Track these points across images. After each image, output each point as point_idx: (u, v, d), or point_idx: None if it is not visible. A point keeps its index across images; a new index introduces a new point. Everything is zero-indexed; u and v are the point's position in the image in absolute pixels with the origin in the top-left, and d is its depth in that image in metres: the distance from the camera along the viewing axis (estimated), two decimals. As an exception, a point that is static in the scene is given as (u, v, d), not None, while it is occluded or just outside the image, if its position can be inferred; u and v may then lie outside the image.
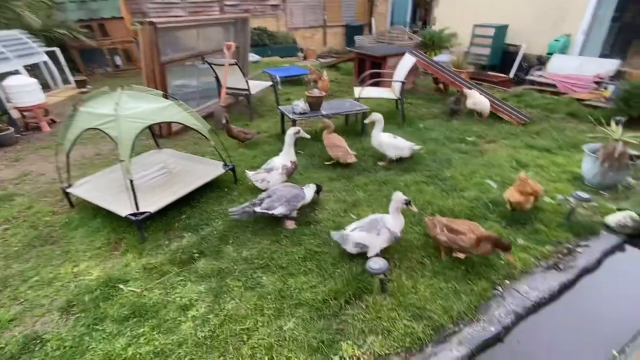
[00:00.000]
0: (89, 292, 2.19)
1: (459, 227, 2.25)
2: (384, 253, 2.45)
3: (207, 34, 5.60)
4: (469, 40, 8.49)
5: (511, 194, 2.75)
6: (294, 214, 2.75)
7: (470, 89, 5.27)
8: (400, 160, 3.75)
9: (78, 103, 2.82)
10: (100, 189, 3.04)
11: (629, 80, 5.16)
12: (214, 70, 5.18)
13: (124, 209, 2.62)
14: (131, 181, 2.51)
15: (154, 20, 4.09)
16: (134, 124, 2.55)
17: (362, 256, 2.39)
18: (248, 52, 6.30)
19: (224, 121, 3.98)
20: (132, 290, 2.21)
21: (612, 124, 3.20)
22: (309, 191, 2.85)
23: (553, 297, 2.18)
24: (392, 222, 2.31)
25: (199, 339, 1.89)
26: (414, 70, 6.71)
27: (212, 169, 3.32)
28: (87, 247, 2.62)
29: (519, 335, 1.97)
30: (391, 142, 3.62)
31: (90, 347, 1.85)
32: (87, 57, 8.09)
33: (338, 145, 3.64)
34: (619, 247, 2.60)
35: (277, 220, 2.76)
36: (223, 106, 4.93)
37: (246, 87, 5.04)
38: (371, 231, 2.29)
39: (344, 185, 3.36)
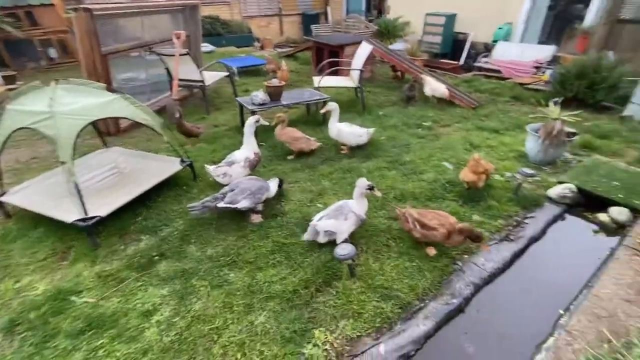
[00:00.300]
0: (35, 308, 1.99)
1: (429, 222, 2.24)
2: (350, 239, 2.50)
3: (153, 22, 5.23)
4: (422, 29, 8.77)
5: (465, 174, 2.91)
6: (259, 207, 2.70)
7: (423, 75, 5.45)
8: (361, 147, 3.81)
9: (5, 100, 2.50)
10: (41, 195, 2.76)
11: (563, 64, 5.64)
12: (164, 62, 4.87)
13: (70, 215, 2.40)
14: (76, 184, 2.29)
15: (89, 6, 3.73)
16: (74, 121, 2.32)
17: (331, 244, 2.41)
18: (200, 41, 5.99)
19: (177, 115, 3.76)
20: (86, 301, 2.04)
21: (551, 105, 3.48)
22: (273, 184, 2.80)
23: (506, 266, 2.35)
24: (357, 206, 2.36)
25: (165, 344, 1.80)
26: (371, 59, 6.80)
27: (168, 166, 3.14)
28: (29, 260, 2.37)
29: (478, 305, 2.11)
30: (350, 131, 3.66)
31: (42, 366, 1.70)
32: (15, 50, 7.21)
33: (297, 137, 3.61)
34: (560, 217, 2.87)
35: (242, 215, 2.69)
36: (176, 99, 4.66)
37: (200, 79, 4.80)
38: (338, 217, 2.32)
39: (308, 175, 3.35)
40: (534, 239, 2.60)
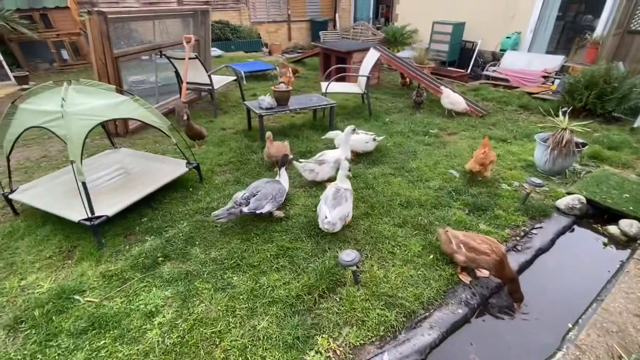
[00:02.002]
0: (39, 306, 2.00)
1: (479, 246, 2.09)
2: (355, 245, 2.48)
3: (164, 26, 5.31)
4: (429, 37, 8.80)
5: (472, 165, 3.08)
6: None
7: (441, 87, 5.34)
8: (367, 153, 3.80)
9: (17, 99, 2.55)
10: (49, 194, 2.78)
11: (572, 74, 5.60)
12: (174, 65, 4.93)
13: (76, 214, 2.42)
14: (84, 183, 2.31)
15: (103, 10, 3.80)
16: (85, 122, 2.35)
17: (334, 250, 2.40)
18: (210, 46, 6.06)
19: (185, 118, 3.80)
20: (89, 301, 2.05)
21: (560, 114, 3.45)
22: (284, 179, 2.82)
23: (513, 277, 2.31)
24: (347, 184, 2.59)
25: (167, 346, 1.79)
26: (378, 66, 6.84)
27: (174, 168, 3.15)
28: (35, 258, 2.39)
29: (485, 315, 2.07)
30: (357, 139, 3.64)
31: (44, 365, 1.69)
32: (30, 51, 7.36)
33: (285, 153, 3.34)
34: (569, 228, 2.82)
35: (258, 217, 2.71)
36: (184, 102, 4.71)
37: (209, 82, 4.85)
38: (341, 202, 2.48)
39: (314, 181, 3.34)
40: (542, 250, 2.55)
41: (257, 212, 2.54)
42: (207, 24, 5.75)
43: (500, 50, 7.93)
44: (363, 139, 3.67)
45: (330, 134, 3.79)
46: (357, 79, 5.34)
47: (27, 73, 6.58)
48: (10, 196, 2.76)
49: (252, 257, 2.36)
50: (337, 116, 4.97)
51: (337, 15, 12.32)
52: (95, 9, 3.81)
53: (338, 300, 2.06)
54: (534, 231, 2.70)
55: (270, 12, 11.32)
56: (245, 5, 10.67)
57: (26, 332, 1.86)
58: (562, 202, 2.94)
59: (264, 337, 1.83)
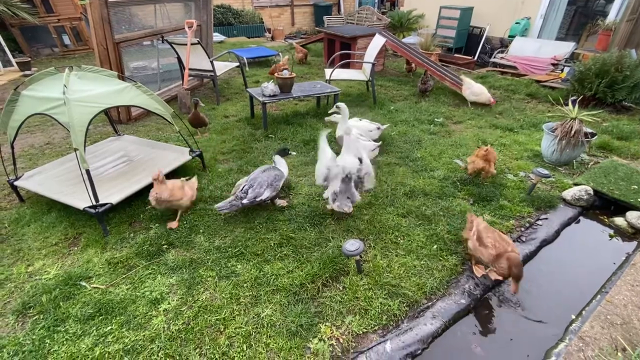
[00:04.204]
0: (46, 292, 2.03)
1: (485, 239, 2.08)
2: (359, 234, 2.48)
3: (165, 10, 5.21)
4: (436, 22, 8.58)
5: (476, 162, 2.94)
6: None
7: (462, 77, 5.09)
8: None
9: (20, 86, 2.52)
10: (54, 181, 2.79)
11: (583, 61, 5.46)
12: (175, 50, 4.86)
13: (81, 202, 2.43)
14: (88, 171, 2.31)
15: (103, -7, 3.72)
16: (87, 109, 2.33)
17: (337, 240, 2.40)
18: (212, 31, 5.96)
19: (195, 104, 3.75)
20: (95, 287, 2.07)
21: (569, 103, 3.37)
22: (283, 164, 2.80)
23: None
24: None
25: (173, 332, 1.81)
26: (382, 52, 6.71)
27: (177, 156, 3.14)
28: (41, 244, 2.41)
29: (488, 305, 2.08)
30: (361, 126, 3.58)
31: (53, 350, 1.73)
32: (31, 36, 7.29)
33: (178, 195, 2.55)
34: (575, 219, 2.79)
35: (260, 205, 2.71)
36: (187, 89, 4.67)
37: (211, 69, 4.78)
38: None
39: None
40: (547, 242, 2.54)
41: (258, 199, 2.55)
42: (209, 8, 5.63)
43: (509, 36, 7.72)
44: (367, 127, 3.62)
45: (334, 118, 3.69)
46: (361, 65, 5.24)
47: (29, 59, 6.52)
48: (16, 183, 2.77)
49: (255, 246, 2.37)
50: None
51: (341, -1, 12.03)
52: (96, -8, 3.73)
53: (341, 289, 2.07)
54: (539, 222, 2.68)
55: (274, -4, 11.06)
56: (247, -12, 10.43)
57: (34, 318, 1.90)
58: (568, 193, 2.90)
59: (267, 325, 1.85)
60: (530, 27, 7.60)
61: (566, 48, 6.71)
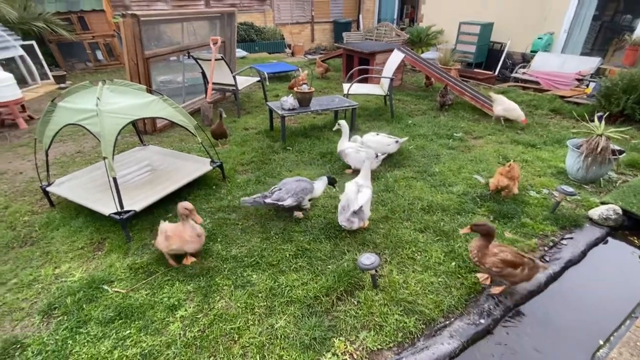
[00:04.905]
0: (71, 294, 2.11)
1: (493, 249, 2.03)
2: (375, 249, 2.46)
3: (192, 28, 5.47)
4: (455, 38, 8.59)
5: (499, 180, 2.88)
6: (307, 205, 2.81)
7: (491, 94, 5.02)
8: (389, 155, 3.76)
9: (56, 98, 2.70)
10: (82, 188, 2.93)
11: (609, 77, 5.30)
12: (200, 66, 5.07)
13: (107, 208, 2.53)
14: (115, 179, 2.42)
15: (136, 12, 3.96)
16: (117, 120, 2.46)
17: (353, 252, 2.39)
18: (235, 47, 6.19)
19: (219, 117, 3.89)
20: (117, 291, 2.14)
21: (595, 119, 3.27)
22: (320, 184, 2.82)
23: (540, 289, 2.22)
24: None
25: (188, 339, 1.84)
26: (401, 67, 6.75)
27: (199, 166, 3.24)
28: (68, 248, 2.52)
29: (508, 327, 2.00)
30: (378, 141, 3.60)
31: (74, 350, 1.78)
32: (67, 52, 7.79)
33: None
34: (602, 240, 2.67)
35: (284, 212, 2.80)
36: (209, 102, 4.84)
37: (233, 83, 4.95)
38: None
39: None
40: (572, 262, 2.43)
41: (279, 203, 2.62)
42: (233, 26, 5.88)
43: (531, 51, 7.63)
44: (384, 141, 3.63)
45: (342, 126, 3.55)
46: (379, 80, 5.29)
47: (65, 72, 6.95)
48: (48, 189, 2.93)
49: (271, 256, 2.39)
50: (359, 117, 4.95)
51: (360, 16, 12.27)
52: (129, 11, 3.98)
53: (356, 303, 2.05)
54: (563, 242, 2.58)
55: (295, 14, 11.42)
56: (269, 6, 10.82)
57: (59, 319, 1.97)
58: (595, 212, 2.79)
59: (281, 336, 1.84)
60: (554, 42, 7.49)
61: (592, 63, 6.55)
